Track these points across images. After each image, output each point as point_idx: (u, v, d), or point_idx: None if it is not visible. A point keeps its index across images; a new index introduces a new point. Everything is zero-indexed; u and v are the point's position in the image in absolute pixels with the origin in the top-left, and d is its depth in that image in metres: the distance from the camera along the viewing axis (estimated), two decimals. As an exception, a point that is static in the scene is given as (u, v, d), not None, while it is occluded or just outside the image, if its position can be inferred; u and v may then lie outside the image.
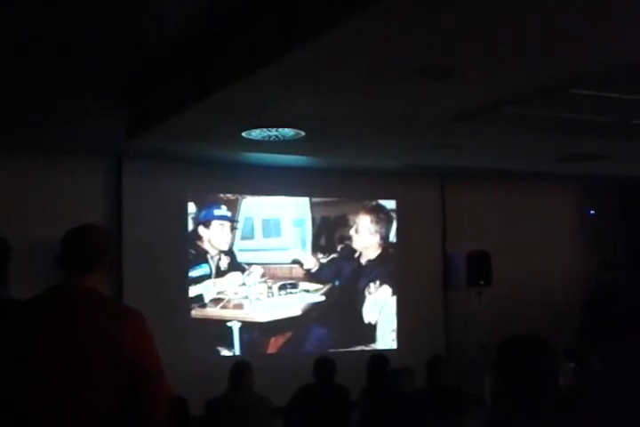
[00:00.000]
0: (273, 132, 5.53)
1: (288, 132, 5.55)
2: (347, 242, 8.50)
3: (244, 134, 5.63)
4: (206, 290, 7.80)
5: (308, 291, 8.24)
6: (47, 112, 5.66)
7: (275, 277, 8.08)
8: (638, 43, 3.70)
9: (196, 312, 7.72)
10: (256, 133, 5.58)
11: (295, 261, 8.20)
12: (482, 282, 8.44)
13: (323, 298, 8.29)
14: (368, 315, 8.53)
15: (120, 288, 7.09)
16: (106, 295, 2.69)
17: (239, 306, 7.92)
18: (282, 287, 8.10)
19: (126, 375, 2.47)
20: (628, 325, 6.98)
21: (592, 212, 9.88)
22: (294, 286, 8.17)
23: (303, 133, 5.65)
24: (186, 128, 5.55)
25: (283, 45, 3.77)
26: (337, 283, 8.38)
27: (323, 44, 3.61)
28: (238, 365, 5.27)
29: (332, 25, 3.41)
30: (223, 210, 7.94)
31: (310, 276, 8.27)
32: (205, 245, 7.83)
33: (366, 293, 8.55)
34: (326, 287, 8.33)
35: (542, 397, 2.13)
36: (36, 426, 2.44)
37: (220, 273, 7.86)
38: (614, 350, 6.56)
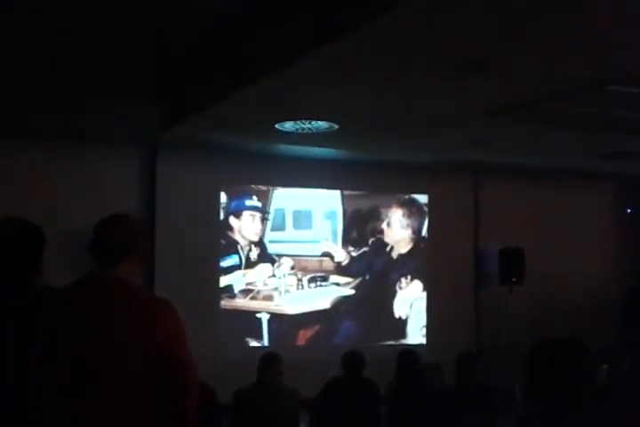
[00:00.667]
0: (306, 124, 5.52)
1: (321, 124, 5.54)
2: (378, 235, 8.45)
3: (277, 126, 5.63)
4: (236, 281, 7.81)
5: (338, 284, 8.23)
6: (83, 100, 5.69)
7: (305, 270, 8.07)
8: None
9: (225, 303, 7.74)
10: (289, 126, 5.58)
11: (325, 254, 8.18)
12: (514, 279, 8.36)
13: (352, 292, 8.26)
14: (398, 310, 8.49)
15: (152, 277, 7.14)
16: (137, 285, 2.68)
17: (269, 297, 7.92)
18: (312, 280, 8.09)
19: (159, 365, 2.48)
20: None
21: (629, 210, 9.74)
22: (324, 278, 8.15)
23: (336, 126, 5.63)
24: (219, 119, 5.56)
25: (317, 39, 3.75)
26: (367, 277, 8.35)
27: (357, 39, 3.58)
28: (267, 356, 5.28)
29: (367, 20, 3.38)
30: (254, 200, 7.94)
31: (341, 269, 8.25)
32: (236, 236, 7.85)
33: (397, 287, 8.51)
34: (357, 281, 8.30)
35: (572, 397, 2.10)
36: (65, 414, 2.46)
37: (249, 264, 7.87)
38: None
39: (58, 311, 2.59)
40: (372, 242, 8.42)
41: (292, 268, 8.01)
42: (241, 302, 7.80)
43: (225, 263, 7.78)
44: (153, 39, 4.36)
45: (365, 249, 8.36)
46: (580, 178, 9.12)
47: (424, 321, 8.58)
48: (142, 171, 7.51)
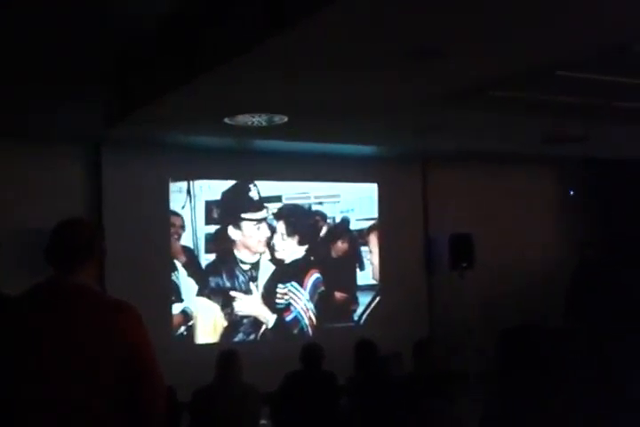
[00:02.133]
0: (256, 117, 5.47)
1: (271, 117, 5.49)
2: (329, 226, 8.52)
3: (227, 120, 5.55)
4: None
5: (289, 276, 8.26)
6: (22, 99, 5.52)
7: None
8: (623, 25, 3.68)
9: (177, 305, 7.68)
10: (239, 119, 5.51)
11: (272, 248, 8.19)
12: (464, 265, 8.46)
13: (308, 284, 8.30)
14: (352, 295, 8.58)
15: (102, 277, 6.98)
16: (98, 290, 2.62)
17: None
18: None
19: (124, 371, 2.43)
20: (612, 303, 7.08)
21: (571, 192, 9.95)
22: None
23: (286, 119, 5.58)
24: (167, 114, 5.45)
25: (265, 31, 3.69)
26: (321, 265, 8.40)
27: (306, 29, 3.53)
28: (226, 353, 5.23)
29: (316, 9, 3.34)
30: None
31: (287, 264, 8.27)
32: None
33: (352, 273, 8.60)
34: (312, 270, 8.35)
35: (547, 384, 2.12)
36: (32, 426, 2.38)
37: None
38: (598, 328, 6.64)
39: (16, 321, 2.50)
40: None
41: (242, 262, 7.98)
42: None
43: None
44: (97, 32, 4.22)
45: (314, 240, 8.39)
46: (525, 163, 9.27)
47: (378, 308, 8.64)
48: (87, 169, 7.33)
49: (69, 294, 2.52)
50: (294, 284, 8.28)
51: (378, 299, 8.69)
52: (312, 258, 8.38)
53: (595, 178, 9.83)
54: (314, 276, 8.39)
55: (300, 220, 8.33)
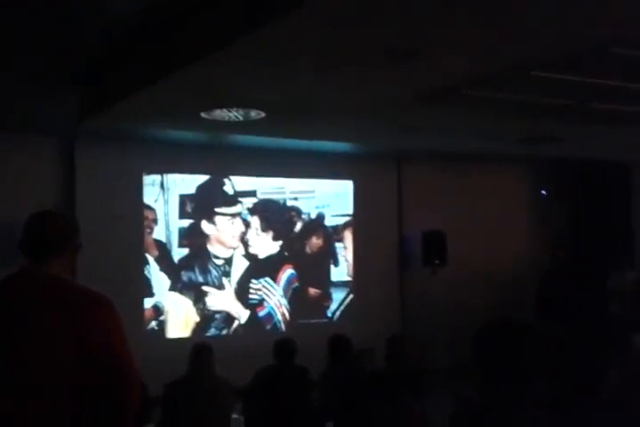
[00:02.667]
0: (233, 112, 5.46)
1: (248, 112, 5.49)
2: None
3: (203, 115, 5.54)
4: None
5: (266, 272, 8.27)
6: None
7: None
8: (596, 27, 3.73)
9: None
10: (216, 114, 5.50)
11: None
12: (437, 262, 8.53)
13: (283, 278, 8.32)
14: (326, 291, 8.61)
15: (73, 270, 6.92)
16: (72, 281, 2.63)
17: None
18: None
19: (95, 358, 2.43)
20: (578, 303, 7.16)
21: (543, 193, 10.05)
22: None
23: (264, 114, 5.59)
24: (143, 108, 5.43)
25: (243, 26, 3.70)
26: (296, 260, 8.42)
27: (283, 25, 3.55)
28: (198, 346, 5.22)
29: (295, 6, 3.35)
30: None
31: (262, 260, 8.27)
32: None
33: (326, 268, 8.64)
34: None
35: (518, 383, 2.14)
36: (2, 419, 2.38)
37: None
38: (566, 327, 6.72)
39: None
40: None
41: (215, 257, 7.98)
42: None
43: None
44: (69, 22, 4.17)
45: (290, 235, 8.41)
46: (498, 162, 9.35)
47: (351, 304, 8.68)
48: (60, 162, 7.28)
49: (41, 283, 2.53)
50: (268, 279, 8.28)
51: (351, 295, 8.72)
52: (286, 253, 8.39)
53: (567, 178, 9.94)
54: (288, 271, 8.40)
55: (274, 215, 8.33)
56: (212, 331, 7.96)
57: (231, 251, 8.09)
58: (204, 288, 7.93)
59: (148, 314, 7.64)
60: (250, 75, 4.52)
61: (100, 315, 2.48)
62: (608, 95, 5.24)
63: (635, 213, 9.48)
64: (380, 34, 3.74)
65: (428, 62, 4.29)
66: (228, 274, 8.06)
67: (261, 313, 8.25)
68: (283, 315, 8.36)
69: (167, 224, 7.76)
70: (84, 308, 2.47)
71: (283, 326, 8.34)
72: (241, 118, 5.60)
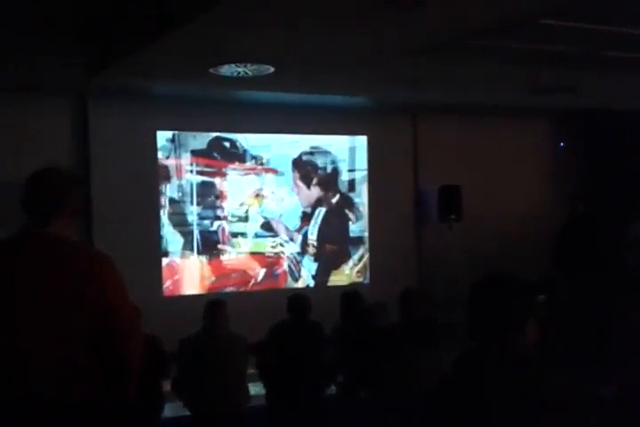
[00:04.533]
0: (241, 67, 5.41)
1: (257, 67, 5.43)
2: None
3: (212, 71, 5.50)
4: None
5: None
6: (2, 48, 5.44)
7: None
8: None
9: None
10: (224, 70, 5.45)
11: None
12: (453, 216, 8.49)
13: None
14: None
15: (90, 230, 7.01)
16: (72, 239, 2.61)
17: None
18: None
19: (98, 320, 2.44)
20: (601, 256, 7.12)
21: (562, 144, 9.92)
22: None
23: (272, 69, 5.53)
24: (150, 65, 5.40)
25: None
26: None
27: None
28: (212, 302, 5.27)
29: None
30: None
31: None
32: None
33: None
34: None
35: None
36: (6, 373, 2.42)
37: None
38: (586, 280, 6.69)
39: None
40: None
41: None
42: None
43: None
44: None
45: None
46: (514, 115, 9.21)
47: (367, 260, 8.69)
48: (73, 121, 7.29)
49: (42, 241, 2.52)
50: (284, 236, 8.29)
51: (367, 251, 8.73)
52: (302, 210, 8.38)
53: (584, 130, 9.79)
54: (304, 228, 8.40)
55: (289, 170, 8.29)
56: (228, 289, 7.99)
57: (245, 207, 8.09)
58: (220, 246, 7.96)
59: (164, 272, 7.70)
60: (252, 30, 4.46)
61: (100, 270, 2.48)
62: (620, 43, 5.12)
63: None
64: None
65: (435, 11, 4.20)
66: (243, 231, 8.07)
67: (278, 271, 8.28)
68: (299, 272, 8.39)
69: (180, 182, 7.77)
70: (83, 264, 2.48)
71: (299, 283, 8.38)
72: (250, 73, 5.54)
